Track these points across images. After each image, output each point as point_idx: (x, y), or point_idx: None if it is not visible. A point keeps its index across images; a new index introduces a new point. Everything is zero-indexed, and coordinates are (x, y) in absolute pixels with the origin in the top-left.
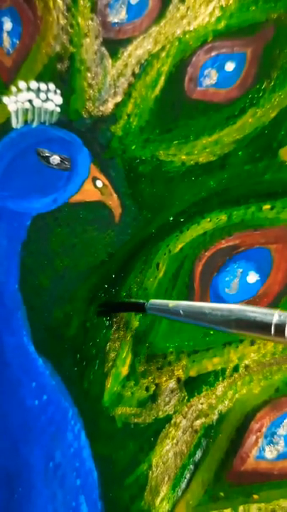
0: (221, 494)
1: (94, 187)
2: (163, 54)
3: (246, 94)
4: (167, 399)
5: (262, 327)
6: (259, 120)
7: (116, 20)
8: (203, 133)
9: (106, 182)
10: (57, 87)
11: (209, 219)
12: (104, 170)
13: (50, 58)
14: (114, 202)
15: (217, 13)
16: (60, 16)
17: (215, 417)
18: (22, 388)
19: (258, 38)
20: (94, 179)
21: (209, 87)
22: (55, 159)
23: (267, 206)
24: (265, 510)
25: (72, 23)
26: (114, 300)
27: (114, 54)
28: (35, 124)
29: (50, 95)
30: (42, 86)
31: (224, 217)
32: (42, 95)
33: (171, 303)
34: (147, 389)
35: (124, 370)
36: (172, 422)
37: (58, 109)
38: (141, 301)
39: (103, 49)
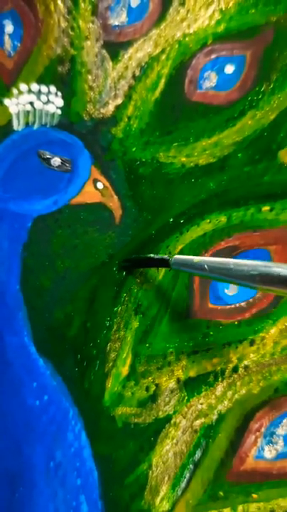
0: (221, 493)
1: (94, 189)
2: (163, 57)
3: (245, 97)
4: (167, 399)
5: (286, 282)
6: (259, 122)
7: (116, 23)
8: (203, 135)
9: (107, 184)
10: (58, 89)
11: (208, 220)
12: (105, 172)
13: (51, 61)
14: (114, 203)
15: (217, 16)
16: (61, 19)
17: (215, 417)
18: (23, 388)
19: (258, 40)
20: (95, 181)
21: (208, 89)
22: (56, 161)
23: (266, 208)
24: (264, 510)
25: (73, 25)
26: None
27: (114, 56)
28: (36, 126)
29: (51, 97)
30: (44, 88)
31: (223, 219)
32: (44, 97)
33: (196, 258)
34: (147, 389)
35: (125, 371)
36: (172, 422)
37: (59, 112)
38: (165, 256)
39: (104, 51)
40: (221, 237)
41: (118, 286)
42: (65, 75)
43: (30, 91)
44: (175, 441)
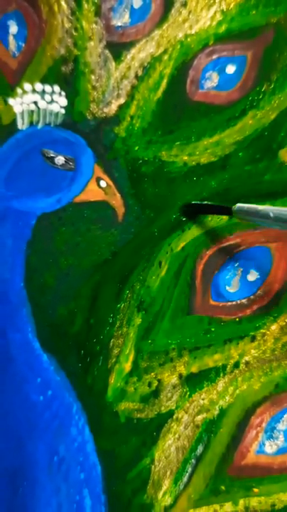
0: (223, 488)
1: (97, 187)
2: (166, 57)
3: (246, 97)
4: (169, 394)
5: None
6: (259, 122)
7: (119, 24)
8: (204, 134)
9: (110, 182)
10: (61, 89)
11: (210, 218)
12: (108, 170)
13: (55, 61)
14: (117, 201)
15: (218, 17)
16: (65, 20)
17: (216, 412)
18: (27, 384)
19: (259, 41)
20: (98, 179)
21: (210, 89)
22: (60, 160)
23: None
24: (265, 504)
25: (76, 26)
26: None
27: (117, 57)
28: (40, 126)
29: (55, 97)
30: (47, 88)
31: (225, 217)
32: (47, 97)
33: (260, 207)
34: (149, 385)
35: (127, 366)
36: (175, 417)
37: (63, 111)
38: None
39: (107, 52)
40: (223, 235)
41: (121, 283)
42: (68, 75)
43: (34, 91)
44: (177, 436)
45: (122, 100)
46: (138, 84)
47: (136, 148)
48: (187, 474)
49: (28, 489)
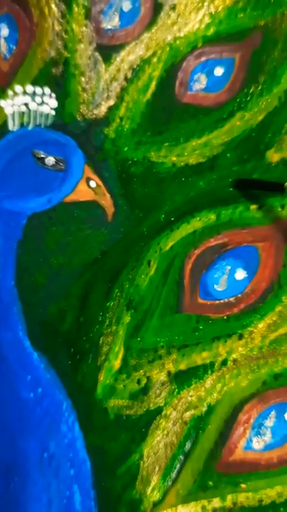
0: (210, 483)
1: (87, 187)
2: (155, 59)
3: (234, 98)
4: (158, 391)
5: None
6: (247, 123)
7: (109, 27)
8: (193, 135)
9: (100, 182)
10: (52, 90)
11: (198, 218)
12: (98, 171)
13: (46, 63)
14: (107, 201)
15: (207, 20)
16: (55, 23)
17: (204, 409)
18: (18, 381)
19: (247, 43)
20: (88, 180)
21: (198, 91)
22: (50, 160)
23: (254, 206)
24: (252, 499)
25: (66, 29)
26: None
27: (107, 59)
28: (31, 127)
29: (46, 99)
30: (38, 90)
31: (213, 217)
32: (38, 99)
33: None
34: (139, 382)
35: (117, 364)
36: (163, 413)
37: (53, 112)
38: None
39: (96, 54)
40: (211, 235)
41: (111, 282)
42: (58, 77)
43: (25, 92)
44: (165, 432)
45: (112, 102)
46: (128, 86)
47: (126, 149)
48: (176, 470)
49: (20, 484)
